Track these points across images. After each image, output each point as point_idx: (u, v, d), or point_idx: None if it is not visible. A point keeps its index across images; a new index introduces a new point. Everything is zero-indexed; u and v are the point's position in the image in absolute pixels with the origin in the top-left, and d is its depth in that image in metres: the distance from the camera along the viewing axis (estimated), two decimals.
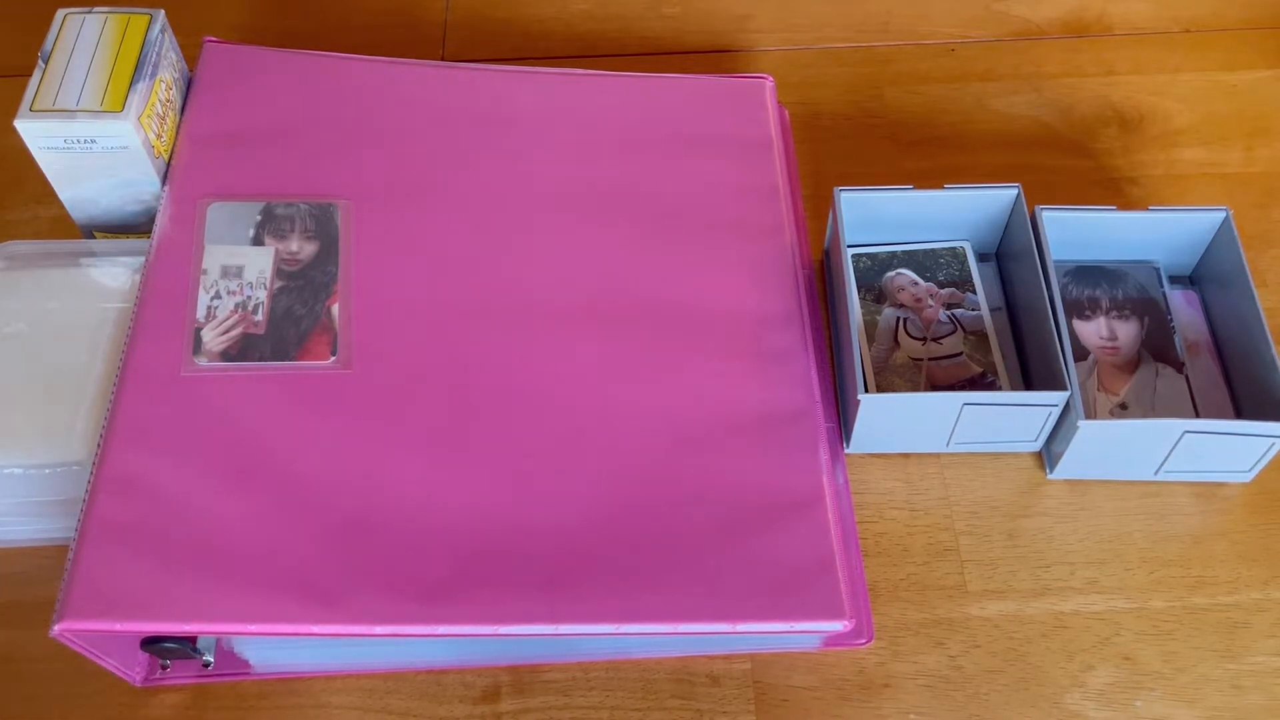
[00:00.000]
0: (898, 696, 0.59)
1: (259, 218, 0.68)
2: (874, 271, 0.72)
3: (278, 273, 0.66)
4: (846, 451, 0.66)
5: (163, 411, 0.60)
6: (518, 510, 0.60)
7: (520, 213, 0.70)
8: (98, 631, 0.54)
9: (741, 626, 0.57)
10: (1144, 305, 0.70)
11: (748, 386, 0.64)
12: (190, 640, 0.56)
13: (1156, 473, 0.65)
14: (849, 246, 0.72)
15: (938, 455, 0.67)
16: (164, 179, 0.69)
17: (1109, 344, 0.68)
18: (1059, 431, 0.64)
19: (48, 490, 0.61)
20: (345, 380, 0.63)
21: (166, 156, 0.70)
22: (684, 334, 0.66)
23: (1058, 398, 0.62)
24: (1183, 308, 0.71)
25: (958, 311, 0.70)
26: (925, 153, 0.80)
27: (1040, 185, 0.77)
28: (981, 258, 0.73)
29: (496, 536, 0.59)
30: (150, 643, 0.56)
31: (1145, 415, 0.66)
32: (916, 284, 0.71)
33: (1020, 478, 0.66)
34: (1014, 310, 0.70)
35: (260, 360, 0.63)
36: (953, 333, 0.69)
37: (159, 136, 0.68)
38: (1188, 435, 0.61)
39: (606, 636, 0.57)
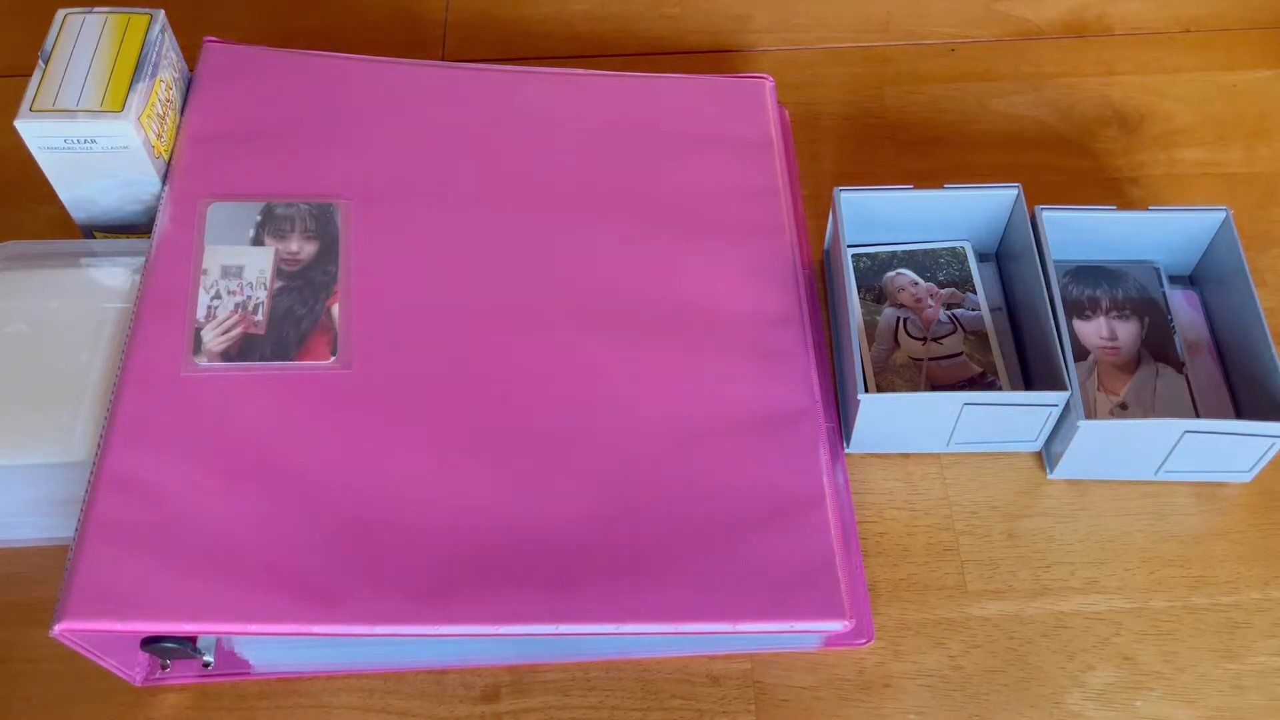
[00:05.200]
0: (898, 696, 0.59)
1: (259, 218, 0.68)
2: (874, 271, 0.72)
3: (278, 273, 0.66)
4: (846, 451, 0.66)
5: (163, 411, 0.60)
6: (517, 510, 0.59)
7: (520, 213, 0.70)
8: (98, 631, 0.54)
9: (741, 626, 0.57)
10: (1144, 305, 0.70)
11: (748, 386, 0.64)
12: (190, 640, 0.56)
13: (1157, 473, 0.65)
14: (849, 246, 0.72)
15: (938, 455, 0.67)
16: (164, 179, 0.69)
17: (1109, 344, 0.68)
18: (1059, 431, 0.64)
19: (48, 490, 0.61)
20: (345, 380, 0.63)
21: (166, 156, 0.70)
22: (684, 334, 0.66)
23: (1058, 398, 0.62)
24: (1183, 308, 0.71)
25: (958, 311, 0.70)
26: (925, 153, 0.80)
27: (1040, 185, 0.77)
28: (981, 258, 0.73)
29: (496, 536, 0.59)
30: (150, 643, 0.56)
31: (1145, 415, 0.66)
32: (916, 284, 0.71)
33: (1020, 478, 0.66)
34: (1014, 310, 0.70)
35: (260, 360, 0.63)
36: (953, 333, 0.69)
37: (159, 136, 0.68)
38: (1188, 435, 0.61)
39: (606, 636, 0.57)
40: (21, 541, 0.63)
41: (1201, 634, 0.61)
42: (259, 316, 0.64)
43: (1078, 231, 0.69)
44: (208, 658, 0.58)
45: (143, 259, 0.67)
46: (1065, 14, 0.87)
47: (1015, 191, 0.69)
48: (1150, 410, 0.66)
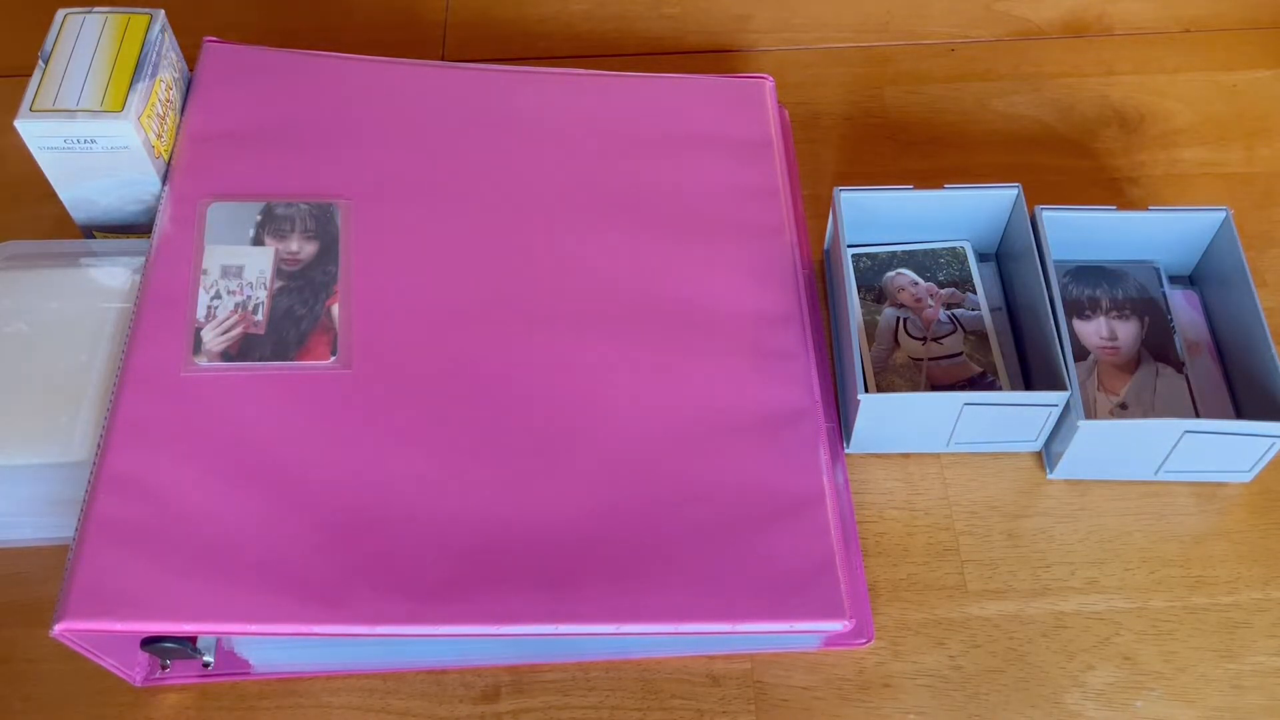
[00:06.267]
0: (898, 696, 0.59)
1: (259, 218, 0.68)
2: (874, 271, 0.72)
3: (278, 273, 0.66)
4: (846, 451, 0.66)
5: (163, 411, 0.60)
6: (517, 510, 0.60)
7: (520, 213, 0.70)
8: (98, 631, 0.54)
9: (741, 626, 0.57)
10: (1144, 305, 0.70)
11: (748, 386, 0.64)
12: (190, 640, 0.56)
13: (1156, 473, 0.65)
14: (849, 246, 0.72)
15: (938, 455, 0.67)
16: (164, 179, 0.69)
17: (1109, 344, 0.68)
18: (1059, 431, 0.64)
19: (48, 490, 0.61)
20: (345, 380, 0.63)
21: (166, 156, 0.70)
22: (684, 334, 0.66)
23: (1058, 398, 0.62)
24: (1183, 308, 0.71)
25: (958, 311, 0.70)
26: (925, 153, 0.80)
27: (1040, 185, 0.77)
28: (981, 258, 0.73)
29: (496, 536, 0.59)
30: (150, 643, 0.56)
31: (1145, 415, 0.66)
32: (916, 284, 0.71)
33: (1020, 478, 0.66)
34: (1014, 310, 0.70)
35: (260, 360, 0.63)
36: (953, 333, 0.69)
37: (159, 136, 0.68)
38: (1188, 435, 0.61)
39: (606, 636, 0.57)
40: (22, 541, 0.63)
41: (1201, 634, 0.61)
42: (259, 316, 0.64)
43: (1078, 231, 0.69)
44: (208, 658, 0.58)
45: (143, 259, 0.67)
46: (1065, 14, 0.87)
47: (1015, 191, 0.69)
48: (1150, 410, 0.66)
